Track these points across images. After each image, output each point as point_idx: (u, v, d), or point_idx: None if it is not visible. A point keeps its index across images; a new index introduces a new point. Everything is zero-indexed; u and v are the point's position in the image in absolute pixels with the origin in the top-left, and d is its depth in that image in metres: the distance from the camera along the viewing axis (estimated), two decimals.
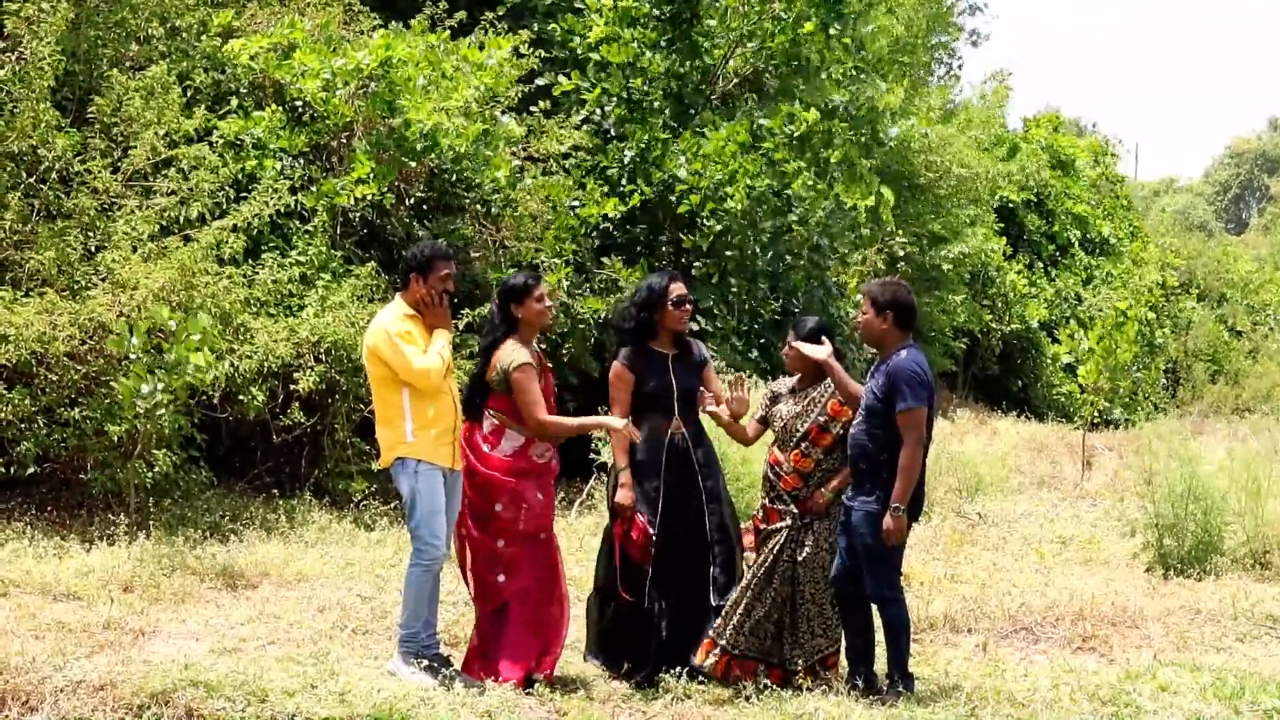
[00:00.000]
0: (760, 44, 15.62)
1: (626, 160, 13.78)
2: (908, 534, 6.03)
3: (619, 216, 13.38)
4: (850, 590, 6.09)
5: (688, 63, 15.00)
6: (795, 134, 14.84)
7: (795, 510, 6.17)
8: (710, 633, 6.13)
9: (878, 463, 5.90)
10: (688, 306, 6.33)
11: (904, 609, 6.07)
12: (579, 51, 14.38)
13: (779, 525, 6.19)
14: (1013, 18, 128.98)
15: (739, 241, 14.41)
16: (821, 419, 6.17)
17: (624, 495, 6.17)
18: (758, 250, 14.86)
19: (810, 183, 14.99)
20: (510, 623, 6.07)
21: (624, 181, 13.75)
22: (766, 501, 6.30)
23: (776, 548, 6.15)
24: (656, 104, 14.54)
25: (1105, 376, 16.21)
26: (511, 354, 6.05)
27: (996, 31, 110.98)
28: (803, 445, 6.18)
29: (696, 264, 14.23)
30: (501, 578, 6.07)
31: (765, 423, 6.43)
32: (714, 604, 6.15)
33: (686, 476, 6.22)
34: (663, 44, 14.74)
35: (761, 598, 6.12)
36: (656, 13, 14.79)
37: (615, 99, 14.22)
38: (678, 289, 6.32)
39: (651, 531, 6.12)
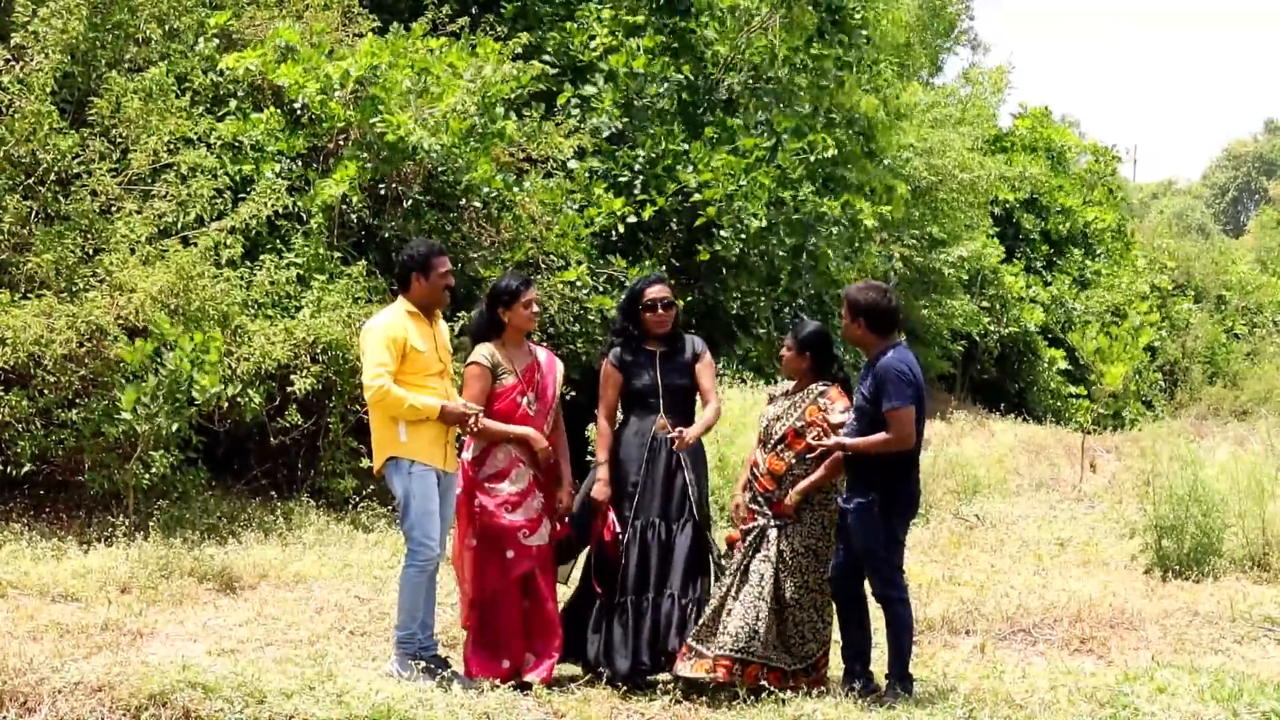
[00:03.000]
0: (758, 53, 15.75)
1: (637, 167, 13.88)
2: (904, 532, 6.04)
3: (627, 219, 13.46)
4: (848, 590, 6.08)
5: (688, 70, 15.10)
6: (813, 156, 15.05)
7: (769, 512, 6.17)
8: (688, 639, 6.12)
9: (871, 462, 5.90)
10: (660, 310, 6.31)
11: (909, 609, 6.07)
12: (581, 59, 14.44)
13: (752, 525, 6.19)
14: (1010, 19, 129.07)
15: (760, 252, 14.58)
16: (799, 424, 6.16)
17: (599, 490, 6.24)
18: (782, 260, 15.04)
19: (823, 205, 15.20)
20: (482, 621, 6.12)
21: (636, 187, 13.86)
22: (747, 502, 6.29)
23: (750, 548, 6.14)
24: (663, 110, 14.64)
25: (1131, 380, 16.31)
26: (473, 354, 6.17)
27: (993, 33, 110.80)
28: (778, 448, 6.18)
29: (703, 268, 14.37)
30: (469, 574, 6.14)
31: None
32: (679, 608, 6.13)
33: (669, 474, 6.22)
34: (663, 53, 14.83)
35: (739, 597, 6.09)
36: (655, 21, 14.88)
37: (620, 107, 14.30)
38: (654, 292, 6.32)
39: (619, 532, 6.13)
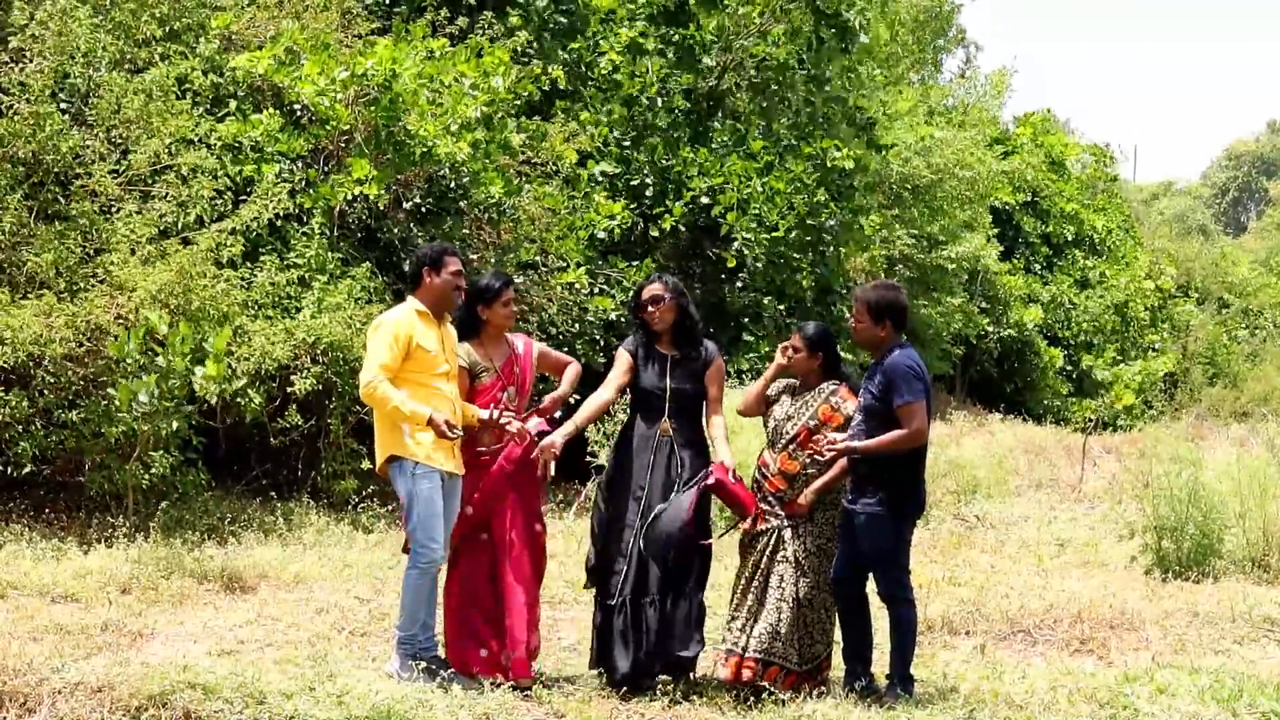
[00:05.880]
0: (758, 58, 15.87)
1: (647, 173, 13.99)
2: (910, 533, 6.04)
3: (636, 225, 13.55)
4: (851, 590, 6.08)
5: (689, 80, 15.21)
6: (828, 163, 15.20)
7: (780, 512, 6.17)
8: (723, 645, 6.13)
9: (879, 463, 5.89)
10: (650, 308, 6.29)
11: (914, 610, 6.07)
12: (591, 74, 14.54)
13: (764, 527, 6.18)
14: (1010, 18, 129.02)
15: (777, 254, 14.69)
16: (812, 423, 6.16)
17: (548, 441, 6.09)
18: (796, 261, 15.15)
19: (834, 212, 15.35)
20: (457, 607, 6.19)
21: (647, 194, 13.97)
22: (758, 502, 6.28)
23: (766, 550, 6.14)
24: (668, 122, 14.75)
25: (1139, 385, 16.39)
26: None
27: (993, 32, 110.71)
28: (790, 448, 6.17)
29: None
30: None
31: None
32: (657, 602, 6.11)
33: (671, 478, 6.21)
34: (668, 69, 14.94)
35: (764, 599, 6.11)
36: (657, 32, 14.97)
37: (628, 120, 14.41)
38: (649, 290, 6.33)
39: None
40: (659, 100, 14.73)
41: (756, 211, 14.22)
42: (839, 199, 16.10)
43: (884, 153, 18.44)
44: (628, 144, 14.43)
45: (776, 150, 15.37)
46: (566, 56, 14.46)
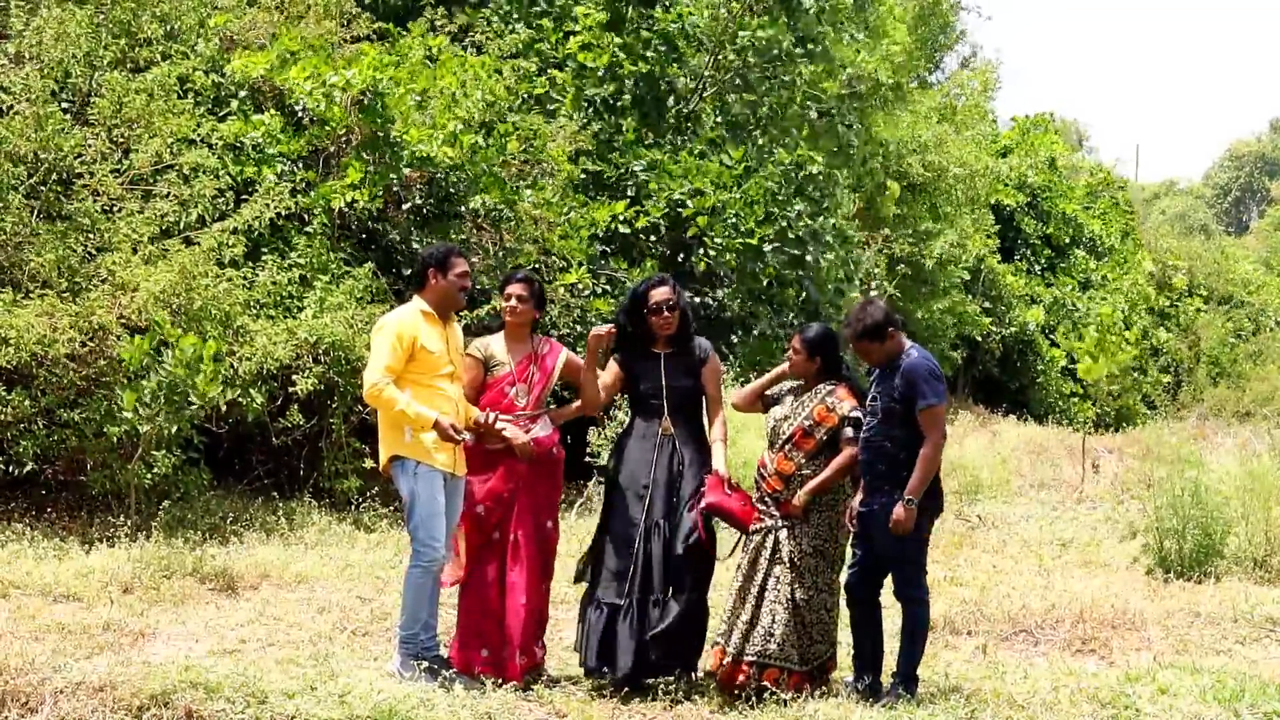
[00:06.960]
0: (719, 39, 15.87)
1: (635, 171, 13.95)
2: (930, 531, 6.02)
3: (626, 223, 13.51)
4: (864, 593, 6.07)
5: (667, 65, 15.18)
6: (800, 174, 15.19)
7: (776, 512, 6.16)
8: (718, 640, 6.13)
9: (897, 462, 5.86)
10: (665, 313, 6.27)
11: (928, 610, 6.07)
12: (556, 56, 14.51)
13: (760, 526, 6.18)
14: (1012, 19, 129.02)
15: (757, 263, 14.67)
16: (807, 423, 6.15)
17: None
18: (778, 269, 15.12)
19: (815, 224, 15.32)
20: (463, 609, 6.22)
21: (631, 192, 13.93)
22: (755, 502, 6.29)
23: (762, 549, 6.13)
24: (634, 111, 14.71)
25: (1109, 378, 16.23)
26: (469, 346, 6.40)
27: (995, 32, 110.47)
28: (786, 448, 6.17)
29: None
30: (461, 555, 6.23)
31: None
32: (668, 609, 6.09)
33: (674, 477, 6.21)
34: (643, 51, 14.89)
35: (760, 601, 6.10)
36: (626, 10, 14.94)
37: (593, 105, 14.35)
38: (656, 295, 6.30)
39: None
40: (625, 83, 14.66)
41: (731, 218, 14.12)
42: (820, 210, 16.04)
43: (860, 168, 18.45)
44: (604, 137, 14.37)
45: (755, 156, 15.35)
46: (535, 35, 14.42)
